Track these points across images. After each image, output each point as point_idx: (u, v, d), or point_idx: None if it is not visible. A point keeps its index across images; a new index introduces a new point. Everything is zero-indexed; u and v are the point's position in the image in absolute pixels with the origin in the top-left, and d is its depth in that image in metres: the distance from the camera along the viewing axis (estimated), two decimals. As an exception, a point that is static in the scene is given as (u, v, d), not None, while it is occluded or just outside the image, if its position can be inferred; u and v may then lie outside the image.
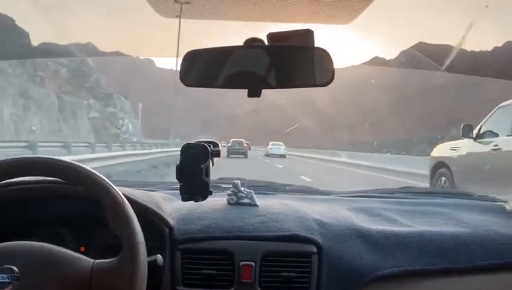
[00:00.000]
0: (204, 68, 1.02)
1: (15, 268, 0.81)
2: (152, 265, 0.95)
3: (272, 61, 0.99)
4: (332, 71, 0.98)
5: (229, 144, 22.43)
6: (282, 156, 25.20)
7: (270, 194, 1.50)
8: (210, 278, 1.09)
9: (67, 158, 0.93)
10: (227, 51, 1.00)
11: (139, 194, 1.12)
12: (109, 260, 0.86)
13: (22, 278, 0.80)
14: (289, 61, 1.00)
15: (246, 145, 23.45)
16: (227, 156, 19.07)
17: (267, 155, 25.01)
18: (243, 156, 21.35)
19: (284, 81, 1.02)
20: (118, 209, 0.88)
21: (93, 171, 0.90)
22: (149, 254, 0.92)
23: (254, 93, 1.01)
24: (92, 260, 0.86)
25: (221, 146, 1.21)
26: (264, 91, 1.00)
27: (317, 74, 1.00)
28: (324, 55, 0.98)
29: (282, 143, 27.78)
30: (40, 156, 0.91)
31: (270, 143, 27.82)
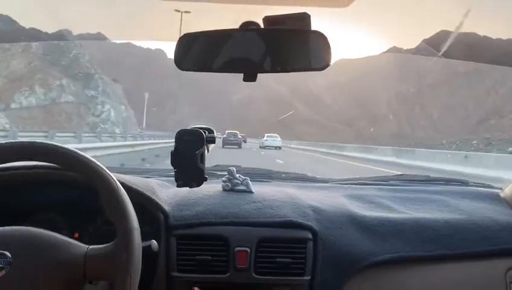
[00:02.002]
0: (200, 52, 1.04)
1: (7, 253, 0.83)
2: (146, 250, 0.98)
3: (267, 45, 1.01)
4: (329, 55, 0.99)
5: (225, 135, 23.72)
6: (278, 148, 25.65)
7: (265, 181, 1.54)
8: (205, 264, 1.13)
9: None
10: (222, 34, 1.02)
11: (134, 181, 1.16)
12: (103, 245, 0.89)
13: (15, 263, 0.83)
14: (285, 45, 1.02)
15: (240, 136, 25.06)
16: (222, 146, 20.31)
17: (262, 147, 25.30)
18: (237, 147, 22.69)
19: (280, 65, 1.03)
20: (113, 196, 0.90)
21: (88, 156, 0.92)
22: (144, 240, 0.95)
23: (249, 77, 1.03)
24: (86, 246, 0.89)
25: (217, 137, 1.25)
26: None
27: (313, 57, 1.02)
28: (321, 38, 0.99)
29: (277, 135, 28.44)
30: (35, 141, 0.93)
31: (266, 135, 28.26)
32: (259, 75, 1.03)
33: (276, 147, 25.69)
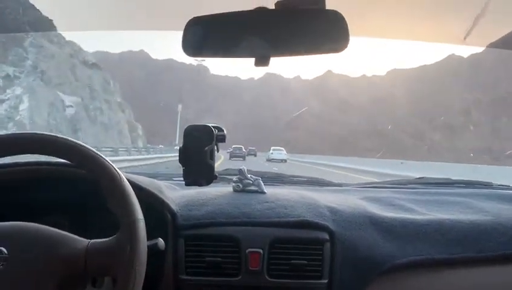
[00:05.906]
0: (209, 36, 1.07)
1: (3, 249, 0.87)
2: (152, 249, 0.99)
3: (280, 26, 1.02)
4: (347, 36, 0.98)
5: (231, 150, 28.14)
6: (283, 161, 29.17)
7: (277, 185, 1.56)
8: (215, 266, 1.15)
9: None
10: (233, 16, 1.04)
11: (140, 179, 1.19)
12: (106, 239, 0.91)
13: (12, 259, 0.87)
14: (299, 26, 1.02)
15: (244, 150, 30.37)
16: (229, 159, 24.56)
17: (269, 160, 28.58)
18: (242, 159, 27.03)
19: (294, 48, 1.04)
20: (114, 185, 0.91)
21: (87, 145, 0.95)
22: (150, 239, 0.96)
23: (262, 62, 1.05)
24: (87, 240, 0.91)
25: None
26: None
27: (330, 39, 1.01)
28: (337, 18, 0.98)
29: (283, 148, 33.44)
30: (31, 131, 0.95)
31: (271, 148, 32.74)
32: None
33: (281, 160, 28.92)
